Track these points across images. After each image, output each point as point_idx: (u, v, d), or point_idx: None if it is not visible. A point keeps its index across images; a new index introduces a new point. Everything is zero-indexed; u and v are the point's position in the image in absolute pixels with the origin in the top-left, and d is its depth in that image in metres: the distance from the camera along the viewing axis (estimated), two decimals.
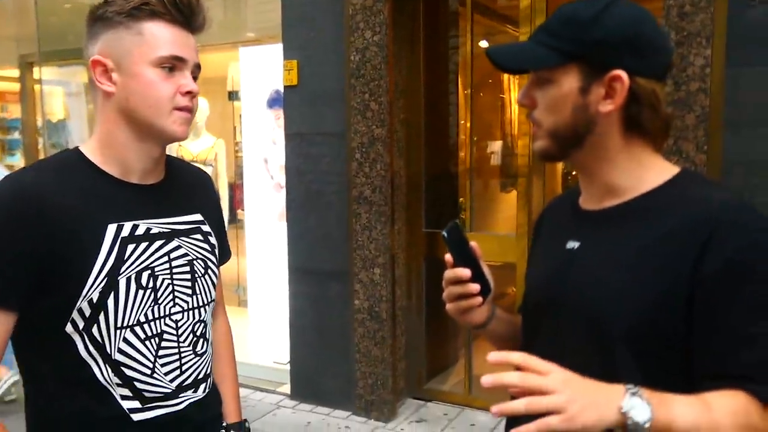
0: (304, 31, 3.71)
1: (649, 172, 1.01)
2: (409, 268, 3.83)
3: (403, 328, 3.78)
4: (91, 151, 1.21)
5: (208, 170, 4.90)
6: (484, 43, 4.48)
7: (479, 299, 1.07)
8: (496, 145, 5.26)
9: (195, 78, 1.21)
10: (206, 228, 1.32)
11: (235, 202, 6.16)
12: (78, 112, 6.64)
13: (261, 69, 4.82)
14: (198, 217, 1.31)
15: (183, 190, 1.32)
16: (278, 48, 3.86)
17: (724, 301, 0.88)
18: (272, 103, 4.75)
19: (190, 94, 1.18)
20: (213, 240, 1.34)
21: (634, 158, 1.01)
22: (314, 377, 3.89)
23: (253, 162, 5.21)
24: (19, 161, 7.75)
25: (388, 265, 3.63)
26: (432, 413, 3.75)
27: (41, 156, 6.51)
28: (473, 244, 1.09)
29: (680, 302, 0.90)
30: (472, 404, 3.76)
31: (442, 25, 4.02)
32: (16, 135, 7.95)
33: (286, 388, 4.02)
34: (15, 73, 6.94)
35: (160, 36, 1.15)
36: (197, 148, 4.93)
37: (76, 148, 1.22)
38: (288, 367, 4.02)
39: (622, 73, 0.96)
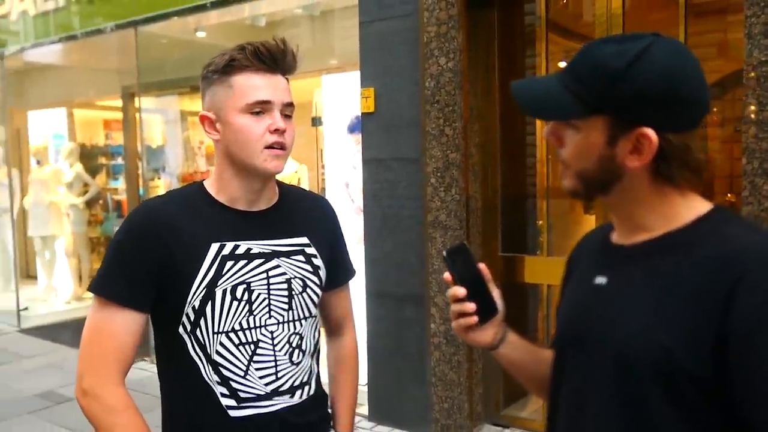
0: (381, 59, 3.80)
1: (680, 209, 0.98)
2: None
3: (480, 353, 3.76)
4: (209, 184, 1.42)
5: None
6: (562, 63, 4.42)
7: (475, 318, 1.12)
8: None
9: (288, 115, 1.35)
10: (311, 250, 1.44)
11: None
12: (174, 139, 7.02)
13: (343, 95, 4.96)
14: (303, 240, 1.44)
15: (291, 215, 1.45)
16: (359, 75, 3.97)
17: (758, 354, 0.84)
18: (353, 128, 4.86)
19: (278, 131, 1.32)
20: (317, 262, 1.45)
21: (665, 201, 0.99)
22: (391, 400, 3.93)
23: (335, 186, 5.35)
24: (121, 185, 8.27)
25: None
26: None
27: (141, 180, 6.92)
28: (481, 265, 1.15)
29: (706, 346, 0.86)
30: None
31: (518, 48, 4.01)
32: (120, 160, 8.47)
33: (364, 410, 4.07)
34: (119, 102, 7.44)
35: (246, 85, 1.32)
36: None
37: (200, 182, 1.44)
38: (366, 388, 4.07)
39: (650, 132, 0.92)
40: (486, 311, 1.13)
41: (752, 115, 2.70)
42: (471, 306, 1.11)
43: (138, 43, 5.43)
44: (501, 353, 1.20)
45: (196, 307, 1.31)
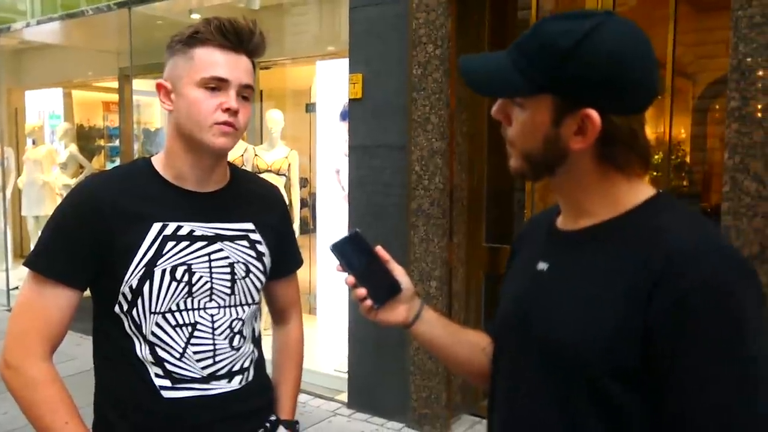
0: (370, 45, 3.77)
1: (623, 195, 0.96)
2: (468, 282, 3.80)
3: None
4: (157, 160, 1.38)
5: (281, 180, 5.04)
6: None
7: (368, 302, 1.15)
8: None
9: (245, 97, 1.32)
10: (256, 236, 1.42)
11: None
12: None
13: (336, 82, 4.93)
14: (249, 225, 1.41)
15: (239, 200, 1.42)
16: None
17: (672, 347, 0.83)
18: (345, 115, 4.84)
19: (230, 111, 1.28)
20: (262, 248, 1.42)
21: (609, 186, 0.97)
22: (371, 387, 3.92)
23: (325, 173, 5.33)
24: None
25: (444, 279, 3.62)
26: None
27: None
28: (378, 248, 1.18)
29: (634, 338, 0.85)
30: None
31: (509, 37, 3.98)
32: (117, 142, 8.47)
33: (344, 397, 4.07)
34: (116, 84, 7.41)
35: (206, 59, 1.28)
36: (271, 158, 5.09)
37: (148, 158, 1.39)
38: (346, 375, 4.06)
39: (593, 113, 0.90)
40: (384, 292, 1.16)
41: (735, 110, 2.67)
42: (361, 292, 1.15)
43: (132, 24, 5.41)
44: (418, 331, 1.20)
45: (134, 287, 1.29)
